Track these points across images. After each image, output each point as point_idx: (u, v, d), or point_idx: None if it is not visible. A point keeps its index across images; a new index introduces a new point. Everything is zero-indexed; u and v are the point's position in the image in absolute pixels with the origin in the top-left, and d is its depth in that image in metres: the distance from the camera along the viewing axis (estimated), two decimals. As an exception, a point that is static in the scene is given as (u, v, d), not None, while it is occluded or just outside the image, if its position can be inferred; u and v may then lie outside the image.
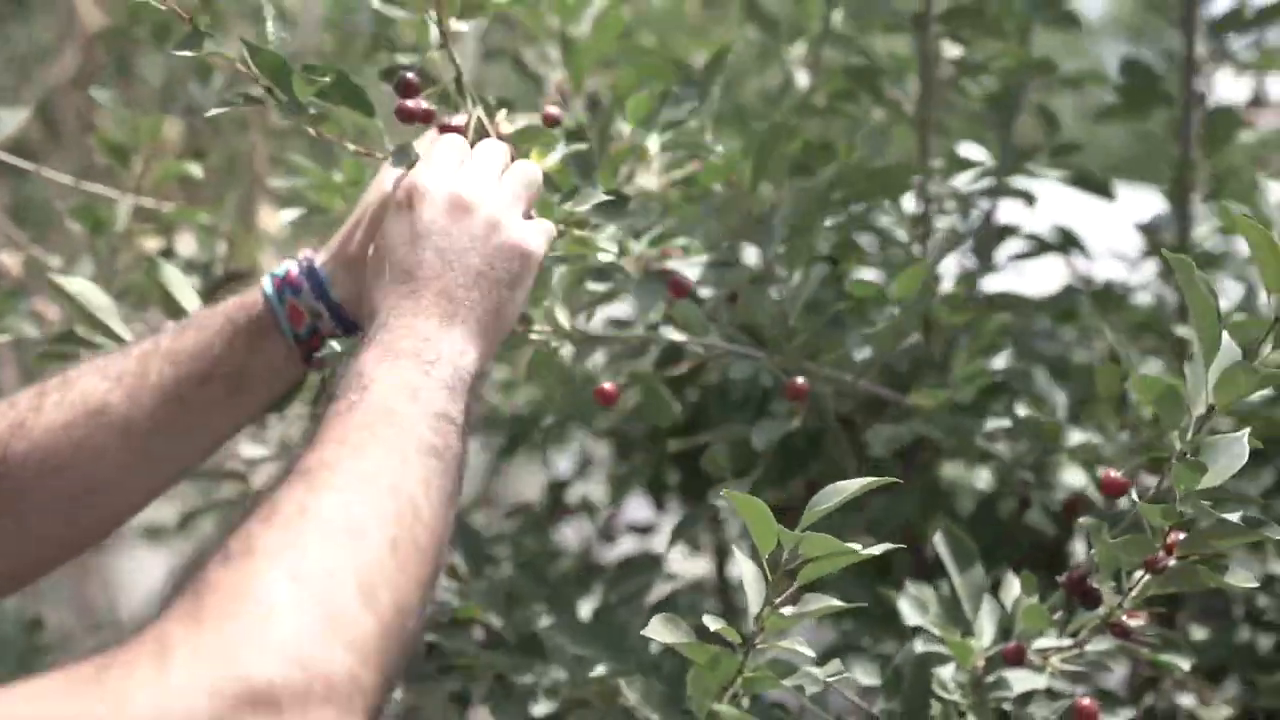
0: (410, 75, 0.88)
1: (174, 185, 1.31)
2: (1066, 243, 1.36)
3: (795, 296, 0.93)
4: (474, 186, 0.81)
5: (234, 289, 1.23)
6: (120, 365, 0.88)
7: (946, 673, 0.93)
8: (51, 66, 2.28)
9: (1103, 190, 1.30)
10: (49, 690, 0.53)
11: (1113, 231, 1.45)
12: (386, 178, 0.88)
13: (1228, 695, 1.10)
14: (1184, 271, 0.77)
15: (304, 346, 0.88)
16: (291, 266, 0.88)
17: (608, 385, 0.99)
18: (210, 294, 1.19)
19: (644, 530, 1.47)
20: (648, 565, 1.19)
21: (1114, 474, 0.83)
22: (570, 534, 1.48)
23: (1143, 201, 1.49)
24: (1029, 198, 1.33)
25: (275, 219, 1.40)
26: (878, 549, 0.72)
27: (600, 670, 0.93)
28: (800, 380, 0.95)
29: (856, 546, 0.70)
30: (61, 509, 0.86)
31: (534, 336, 0.94)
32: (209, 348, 0.88)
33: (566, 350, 0.93)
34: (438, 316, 0.76)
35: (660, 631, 0.74)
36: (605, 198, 0.87)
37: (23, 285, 1.28)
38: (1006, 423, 0.99)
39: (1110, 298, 1.32)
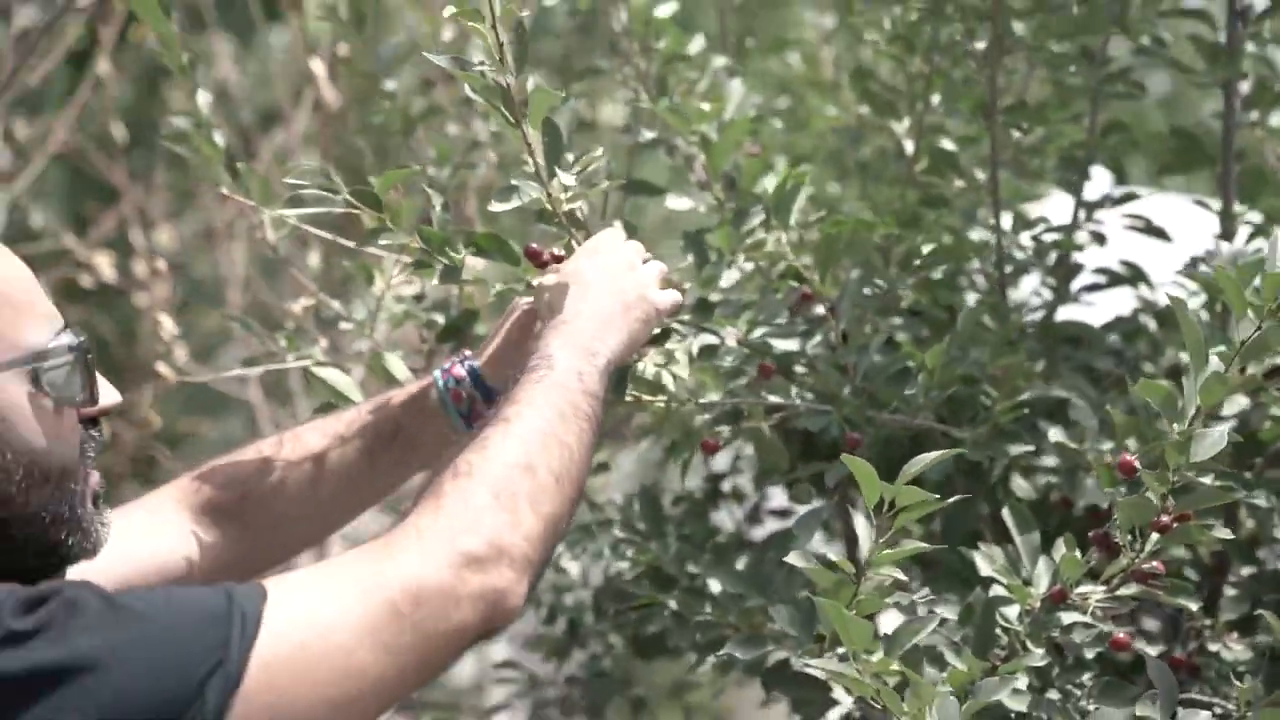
0: (534, 246, 1.26)
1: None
2: (1134, 276, 1.64)
3: (858, 367, 1.30)
4: (636, 257, 1.20)
5: (467, 322, 1.59)
6: (334, 426, 1.27)
7: (1011, 612, 1.23)
8: (284, 129, 2.72)
9: (1161, 234, 1.58)
10: (360, 554, 0.94)
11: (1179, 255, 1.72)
12: (521, 301, 1.26)
13: (1253, 642, 1.36)
14: (1178, 307, 1.07)
15: (464, 419, 1.24)
16: (456, 362, 1.25)
17: (710, 439, 1.34)
18: (450, 327, 1.56)
19: (783, 514, 1.80)
20: (786, 540, 1.52)
21: (1128, 456, 1.12)
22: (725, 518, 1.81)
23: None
24: (1101, 239, 1.62)
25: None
26: (953, 500, 1.04)
27: (752, 603, 1.27)
28: (855, 434, 1.29)
29: (935, 497, 1.02)
30: (280, 525, 1.26)
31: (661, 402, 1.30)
32: (396, 418, 1.26)
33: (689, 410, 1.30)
34: (604, 326, 1.12)
35: (797, 559, 1.08)
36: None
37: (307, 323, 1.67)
38: (1030, 448, 1.29)
39: (1171, 318, 1.59)
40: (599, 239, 1.22)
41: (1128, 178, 1.65)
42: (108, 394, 1.00)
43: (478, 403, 1.24)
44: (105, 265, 2.38)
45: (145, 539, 1.19)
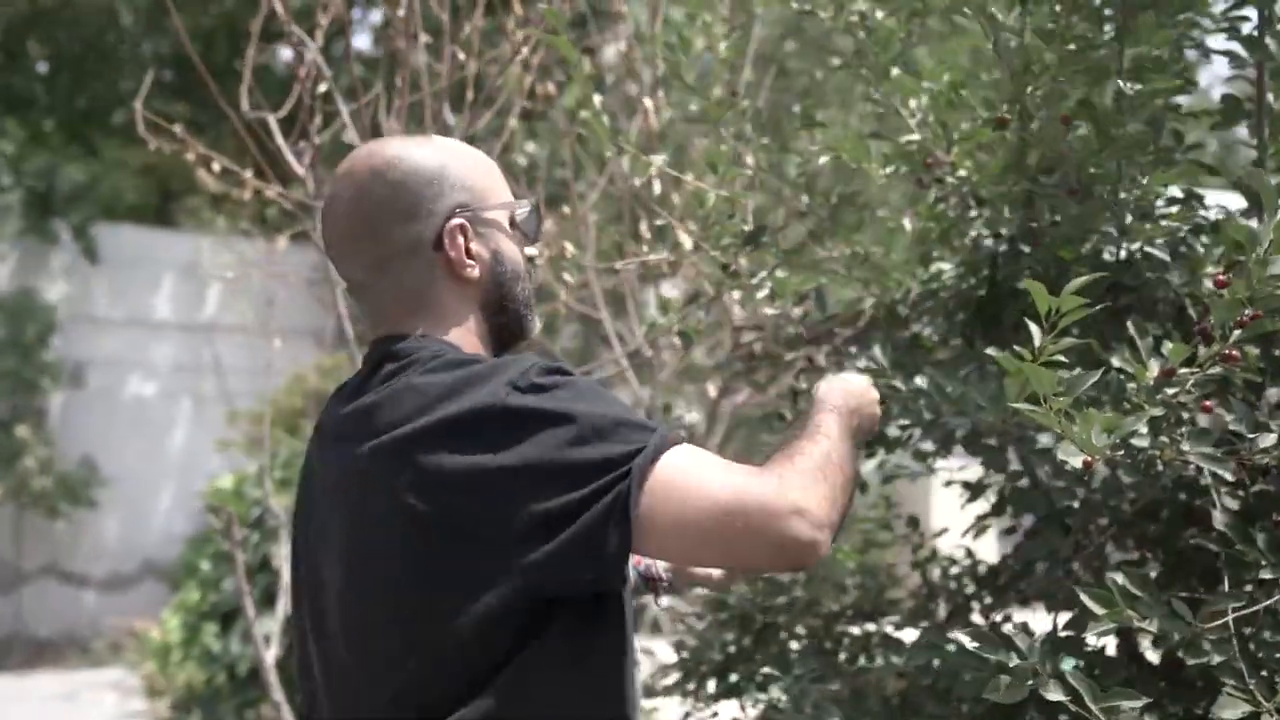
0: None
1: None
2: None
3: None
4: (867, 382, 1.71)
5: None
6: None
7: (1132, 386, 1.83)
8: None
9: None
10: (746, 468, 1.32)
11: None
12: None
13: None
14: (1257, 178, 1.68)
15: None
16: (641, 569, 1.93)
17: None
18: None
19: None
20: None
21: (1221, 276, 1.72)
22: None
23: None
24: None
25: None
26: (1100, 308, 1.64)
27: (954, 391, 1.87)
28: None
29: (1091, 307, 1.61)
30: None
31: None
32: None
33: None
34: (848, 415, 1.55)
35: (998, 355, 1.68)
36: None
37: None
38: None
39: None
40: (848, 375, 1.73)
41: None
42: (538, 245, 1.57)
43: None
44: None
45: None
